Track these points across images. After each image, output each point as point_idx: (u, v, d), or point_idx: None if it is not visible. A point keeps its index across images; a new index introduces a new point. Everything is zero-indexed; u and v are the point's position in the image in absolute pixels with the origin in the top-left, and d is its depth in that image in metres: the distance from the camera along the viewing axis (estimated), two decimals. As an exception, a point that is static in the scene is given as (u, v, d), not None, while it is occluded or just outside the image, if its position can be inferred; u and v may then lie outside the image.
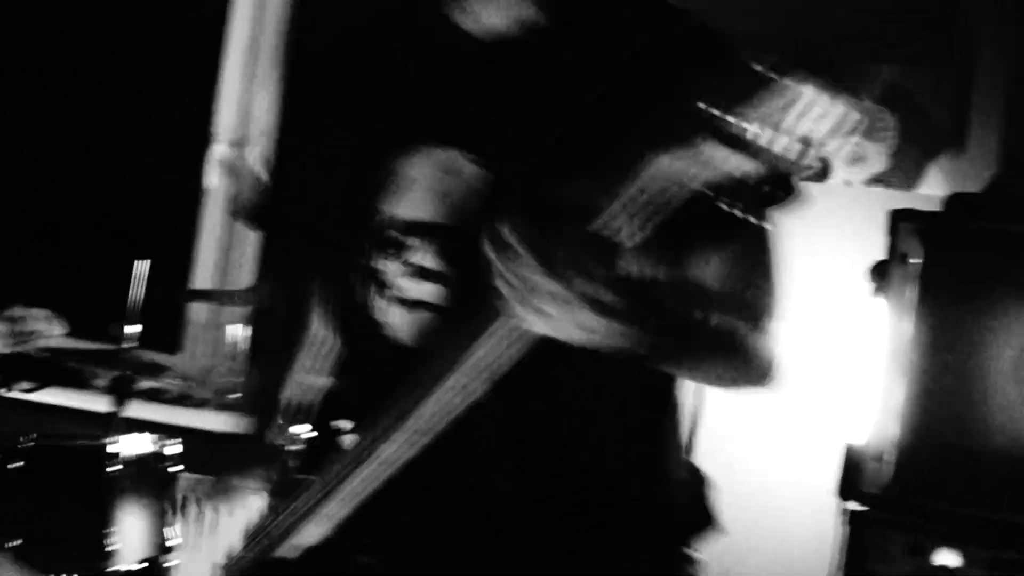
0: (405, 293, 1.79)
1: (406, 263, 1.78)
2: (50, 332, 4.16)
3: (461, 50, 1.81)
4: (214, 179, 4.43)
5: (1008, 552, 2.65)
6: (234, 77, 4.46)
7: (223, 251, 4.44)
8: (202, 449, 3.49)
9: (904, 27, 3.47)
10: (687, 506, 1.91)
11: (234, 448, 3.39)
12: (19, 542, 3.00)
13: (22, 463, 3.07)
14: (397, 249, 1.79)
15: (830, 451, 2.89)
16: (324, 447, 2.00)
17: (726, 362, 1.73)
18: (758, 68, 1.34)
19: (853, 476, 2.82)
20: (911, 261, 2.81)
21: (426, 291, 1.77)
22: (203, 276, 4.39)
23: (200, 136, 4.44)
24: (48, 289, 4.32)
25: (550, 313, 1.48)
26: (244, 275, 4.36)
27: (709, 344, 1.69)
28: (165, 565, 3.21)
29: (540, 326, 1.51)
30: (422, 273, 1.77)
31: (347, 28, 2.05)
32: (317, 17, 4.44)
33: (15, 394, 3.93)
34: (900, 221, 2.85)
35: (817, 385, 3.18)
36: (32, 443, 3.11)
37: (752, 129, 1.34)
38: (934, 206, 2.91)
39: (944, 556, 2.70)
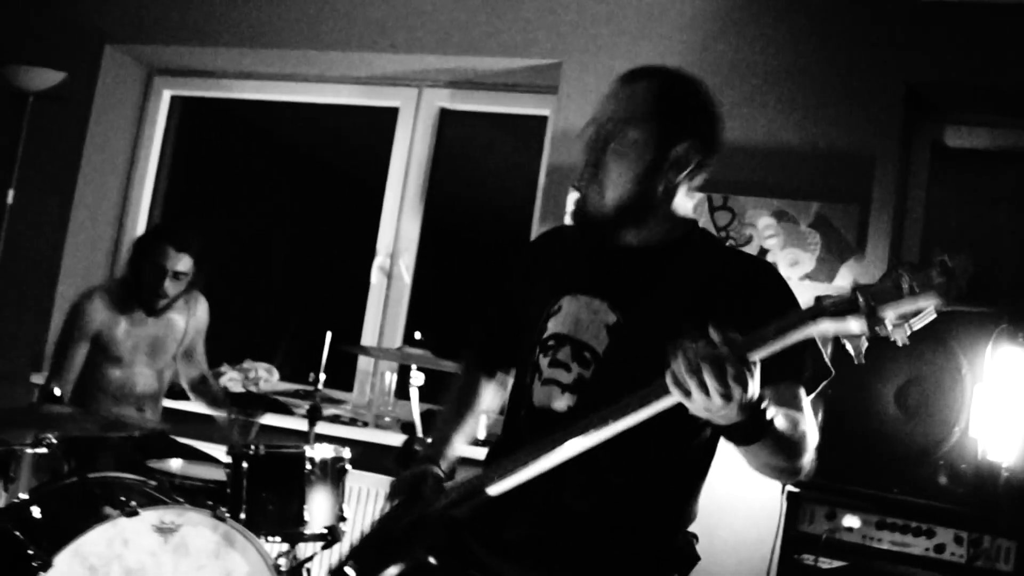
0: (550, 377, 1.80)
1: (553, 360, 1.81)
2: (269, 378, 4.30)
3: (607, 246, 1.84)
4: (375, 277, 4.45)
5: (890, 516, 2.65)
6: (390, 210, 4.48)
7: (381, 323, 4.43)
8: (365, 455, 3.65)
9: (828, 177, 3.48)
10: (684, 546, 1.83)
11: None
12: (244, 516, 3.01)
13: (247, 464, 3.08)
14: (550, 351, 1.82)
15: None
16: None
17: (778, 456, 1.58)
18: (904, 286, 1.31)
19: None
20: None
21: (561, 376, 1.79)
22: (368, 340, 4.39)
23: (366, 249, 4.47)
24: (268, 349, 4.50)
25: (699, 396, 1.41)
26: (396, 340, 4.33)
27: (773, 437, 1.54)
28: (340, 530, 3.19)
29: (688, 402, 1.44)
30: (561, 365, 1.79)
31: (547, 233, 2.10)
32: (447, 171, 4.52)
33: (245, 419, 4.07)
34: (821, 302, 2.85)
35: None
36: (252, 451, 3.10)
37: (883, 316, 1.33)
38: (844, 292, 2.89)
39: (848, 519, 2.70)
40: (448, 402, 2.10)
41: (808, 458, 1.66)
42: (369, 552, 1.86)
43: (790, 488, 2.81)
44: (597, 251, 1.87)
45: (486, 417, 3.90)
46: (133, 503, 2.72)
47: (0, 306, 4.66)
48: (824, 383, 1.73)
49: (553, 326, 1.83)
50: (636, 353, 1.56)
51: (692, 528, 1.87)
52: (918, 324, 1.35)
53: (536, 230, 4.02)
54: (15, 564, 2.65)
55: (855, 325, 1.36)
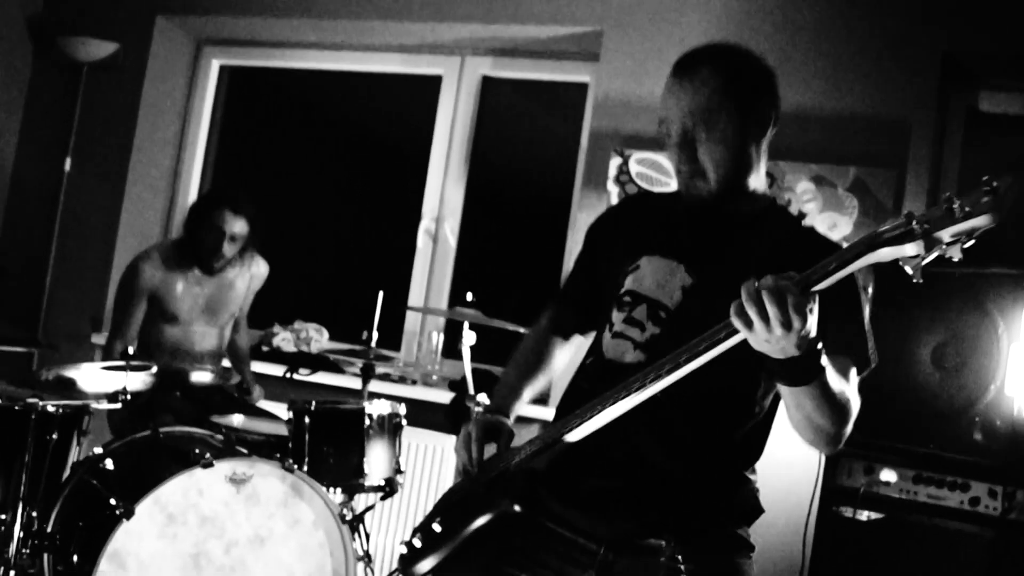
0: (621, 331, 1.82)
1: (628, 317, 1.82)
2: (320, 338, 4.39)
3: (690, 212, 1.85)
4: (421, 241, 4.50)
5: (926, 471, 2.68)
6: (435, 176, 4.51)
7: (428, 285, 4.47)
8: (416, 410, 3.65)
9: (865, 143, 3.48)
10: (747, 497, 1.84)
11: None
12: (307, 468, 3.04)
13: (309, 419, 3.12)
14: (625, 307, 1.83)
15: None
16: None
17: (821, 412, 1.59)
18: (956, 209, 1.32)
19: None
20: (868, 290, 2.81)
21: (635, 334, 1.80)
22: (415, 301, 4.44)
23: (413, 214, 4.52)
24: (320, 310, 4.53)
25: (760, 324, 1.43)
26: (442, 301, 4.40)
27: (822, 386, 1.55)
28: (397, 482, 3.24)
29: (750, 333, 1.45)
30: (637, 323, 1.81)
31: (630, 198, 2.10)
32: (490, 137, 4.55)
33: (299, 377, 4.15)
34: (878, 231, 2.81)
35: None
36: (314, 407, 3.13)
37: (939, 238, 1.35)
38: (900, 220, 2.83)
39: (885, 473, 2.74)
40: (519, 358, 2.09)
41: (847, 430, 1.65)
42: (454, 507, 1.89)
43: (830, 443, 2.86)
44: (679, 216, 1.88)
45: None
46: (208, 455, 2.78)
47: (60, 270, 4.76)
48: (866, 372, 1.75)
49: (630, 283, 1.85)
50: (706, 313, 1.55)
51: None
52: (969, 242, 1.37)
53: (578, 194, 4.05)
54: (94, 513, 2.75)
55: (912, 248, 1.38)
